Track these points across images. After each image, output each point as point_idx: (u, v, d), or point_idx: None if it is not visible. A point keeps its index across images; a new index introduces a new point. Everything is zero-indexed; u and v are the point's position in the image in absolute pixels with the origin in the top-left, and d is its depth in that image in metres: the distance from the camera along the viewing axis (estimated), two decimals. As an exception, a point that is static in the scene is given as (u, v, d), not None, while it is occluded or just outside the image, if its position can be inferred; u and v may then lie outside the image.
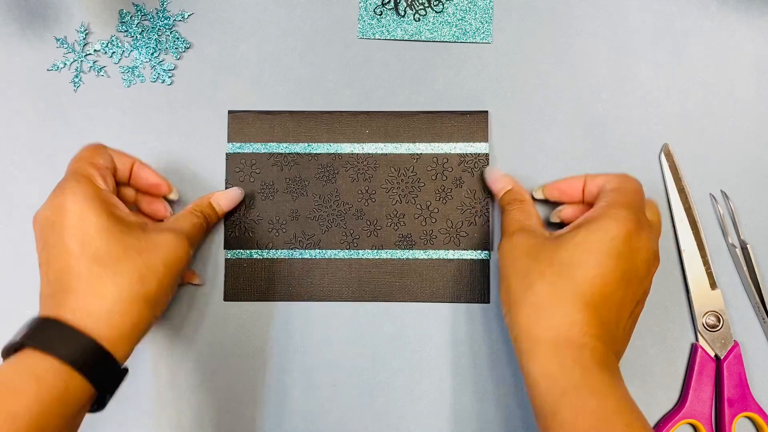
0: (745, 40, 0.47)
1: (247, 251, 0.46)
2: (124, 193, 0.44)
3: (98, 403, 0.37)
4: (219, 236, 0.46)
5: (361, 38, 0.48)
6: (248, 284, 0.46)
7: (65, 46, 0.47)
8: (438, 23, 0.48)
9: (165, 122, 0.47)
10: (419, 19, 0.48)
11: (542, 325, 0.35)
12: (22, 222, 0.47)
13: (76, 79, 0.47)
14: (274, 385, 0.45)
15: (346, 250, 0.46)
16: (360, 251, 0.46)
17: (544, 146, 0.47)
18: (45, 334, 0.35)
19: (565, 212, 0.44)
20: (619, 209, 0.37)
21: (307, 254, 0.46)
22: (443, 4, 0.48)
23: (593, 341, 0.34)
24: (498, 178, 0.44)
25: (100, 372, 0.35)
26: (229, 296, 0.46)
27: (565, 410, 0.33)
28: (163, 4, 0.48)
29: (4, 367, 0.34)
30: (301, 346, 0.46)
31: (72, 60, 0.47)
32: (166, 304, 0.39)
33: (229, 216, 0.46)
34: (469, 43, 0.48)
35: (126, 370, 0.38)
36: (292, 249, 0.46)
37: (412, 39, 0.48)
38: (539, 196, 0.45)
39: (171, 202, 0.45)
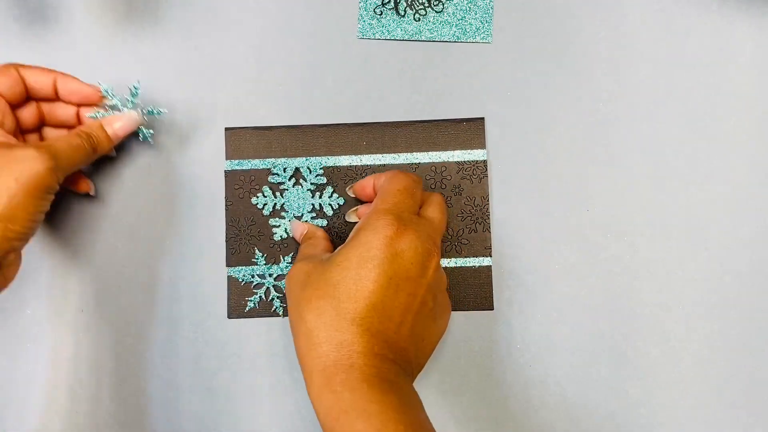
0: (745, 40, 0.47)
1: (250, 268, 0.46)
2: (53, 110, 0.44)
3: None
4: (221, 254, 0.46)
5: (361, 38, 0.48)
6: (250, 297, 0.46)
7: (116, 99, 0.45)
8: (438, 23, 0.48)
9: (166, 122, 0.47)
10: (419, 19, 0.48)
11: (314, 353, 0.35)
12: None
13: (146, 134, 0.46)
14: (280, 390, 0.46)
15: None
16: None
17: (544, 146, 0.47)
18: None
19: (360, 211, 0.45)
20: (377, 217, 0.37)
21: None
22: (443, 4, 0.48)
23: (362, 358, 0.34)
24: (296, 227, 0.45)
25: None
26: (232, 314, 0.46)
27: None
28: None
29: None
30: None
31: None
32: (28, 222, 0.38)
33: (230, 233, 0.46)
34: (469, 43, 0.48)
35: None
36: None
37: (412, 39, 0.48)
38: (351, 194, 0.46)
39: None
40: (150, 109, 0.45)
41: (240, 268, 0.46)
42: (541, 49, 0.47)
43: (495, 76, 0.47)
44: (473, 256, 0.46)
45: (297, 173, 0.46)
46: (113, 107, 0.44)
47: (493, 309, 0.46)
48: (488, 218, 0.46)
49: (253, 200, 0.46)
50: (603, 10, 0.47)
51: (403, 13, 0.48)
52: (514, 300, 0.46)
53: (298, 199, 0.46)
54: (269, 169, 0.46)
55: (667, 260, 0.46)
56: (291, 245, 0.46)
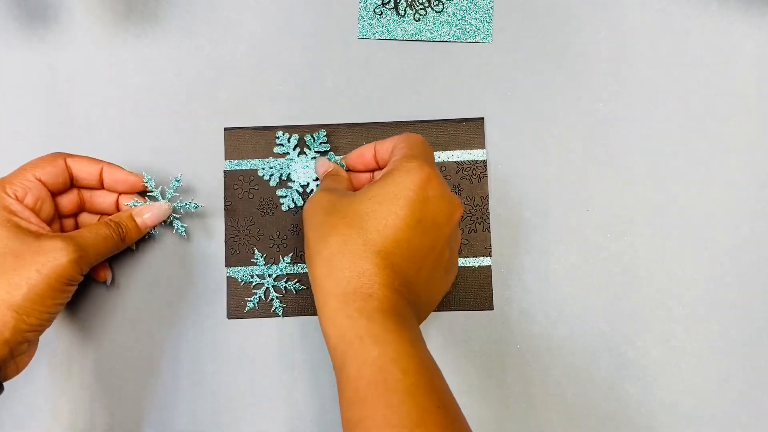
0: (745, 40, 0.47)
1: (249, 268, 0.46)
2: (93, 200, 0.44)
3: None
4: (220, 254, 0.46)
5: (361, 38, 0.48)
6: (249, 297, 0.46)
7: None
8: (438, 23, 0.48)
9: (166, 123, 0.47)
10: (419, 19, 0.48)
11: (333, 277, 0.35)
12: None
13: (180, 228, 0.45)
14: (280, 390, 0.46)
15: None
16: None
17: (544, 146, 0.47)
18: None
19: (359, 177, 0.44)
20: (409, 160, 0.37)
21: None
22: (443, 4, 0.48)
23: (382, 290, 0.34)
24: (322, 164, 0.45)
25: None
26: (232, 314, 0.46)
27: (350, 363, 0.33)
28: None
29: None
30: (305, 355, 0.46)
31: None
32: (43, 314, 0.38)
33: (229, 234, 0.46)
34: (469, 43, 0.48)
35: None
36: (294, 264, 0.46)
37: (412, 39, 0.48)
38: (342, 163, 0.45)
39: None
40: (187, 203, 0.45)
41: (239, 268, 0.46)
42: (541, 49, 0.47)
43: (495, 76, 0.47)
44: (473, 256, 0.46)
45: (301, 142, 0.47)
46: (152, 197, 0.44)
47: (493, 309, 0.46)
48: (488, 218, 0.46)
49: (260, 173, 0.46)
50: (603, 10, 0.47)
51: (403, 13, 0.48)
52: (514, 300, 0.46)
53: (303, 167, 0.46)
54: (274, 139, 0.47)
55: (667, 260, 0.46)
56: (290, 245, 0.46)
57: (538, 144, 0.47)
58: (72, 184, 0.43)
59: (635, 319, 0.45)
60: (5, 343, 0.36)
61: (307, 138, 0.46)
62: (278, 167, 0.46)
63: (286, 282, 0.46)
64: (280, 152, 0.46)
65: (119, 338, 0.46)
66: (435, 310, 0.46)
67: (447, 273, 0.39)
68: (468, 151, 0.47)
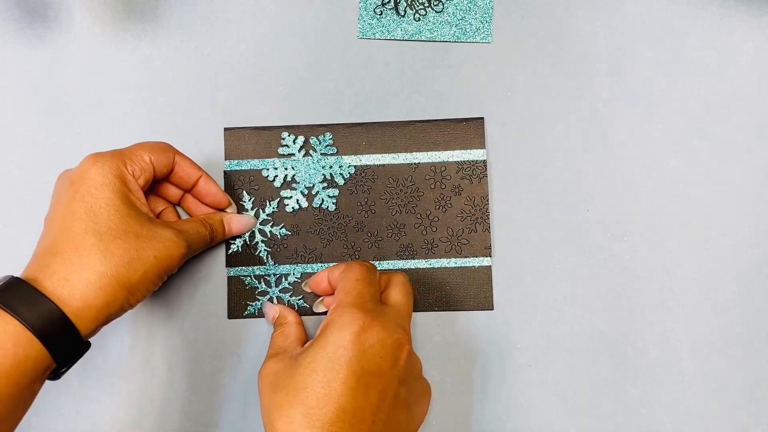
0: (745, 40, 0.47)
1: (250, 268, 0.46)
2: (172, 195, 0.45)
3: (55, 373, 0.36)
4: (221, 254, 0.46)
5: (361, 38, 0.48)
6: (252, 301, 0.46)
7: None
8: (438, 23, 0.48)
9: (166, 123, 0.47)
10: (419, 19, 0.48)
11: None
12: (22, 222, 0.47)
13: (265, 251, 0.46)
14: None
15: None
16: None
17: (544, 146, 0.47)
18: (13, 294, 0.34)
19: (326, 301, 0.44)
20: (341, 313, 0.36)
21: (309, 269, 0.46)
22: (443, 4, 0.48)
23: None
24: (268, 310, 0.45)
25: (61, 343, 0.35)
26: (233, 314, 0.46)
27: None
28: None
29: None
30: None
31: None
32: (143, 296, 0.38)
33: None
34: (469, 43, 0.48)
35: (88, 344, 0.37)
36: (294, 264, 0.46)
37: (412, 39, 0.48)
38: (307, 289, 0.45)
39: None
40: (277, 229, 0.46)
41: (240, 268, 0.46)
42: (541, 49, 0.47)
43: (495, 76, 0.47)
44: (473, 256, 0.46)
45: (307, 144, 0.47)
46: (242, 209, 0.46)
47: (493, 309, 0.46)
48: (488, 218, 0.46)
49: (264, 173, 0.46)
50: (603, 10, 0.47)
51: (403, 13, 0.48)
52: (514, 300, 0.46)
53: (308, 169, 0.46)
54: (279, 140, 0.47)
55: (667, 260, 0.46)
56: (291, 246, 0.46)
57: (538, 144, 0.47)
58: (165, 177, 0.43)
59: (635, 319, 0.45)
60: (108, 317, 0.37)
61: (313, 140, 0.46)
62: (283, 168, 0.46)
63: (290, 296, 0.46)
64: (285, 153, 0.46)
65: (119, 338, 0.46)
66: (435, 311, 0.46)
67: (410, 410, 0.38)
68: (468, 151, 0.47)
